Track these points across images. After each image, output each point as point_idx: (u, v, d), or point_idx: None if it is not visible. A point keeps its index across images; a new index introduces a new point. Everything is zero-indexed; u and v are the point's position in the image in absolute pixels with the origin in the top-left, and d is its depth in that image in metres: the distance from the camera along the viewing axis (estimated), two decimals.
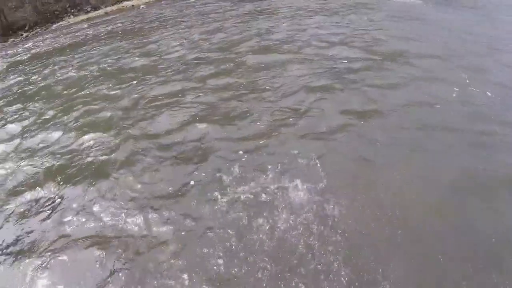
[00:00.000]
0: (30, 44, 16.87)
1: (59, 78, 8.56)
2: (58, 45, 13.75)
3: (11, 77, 10.32)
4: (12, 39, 18.76)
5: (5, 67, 12.29)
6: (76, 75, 8.46)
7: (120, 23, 15.09)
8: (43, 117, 6.29)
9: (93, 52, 10.47)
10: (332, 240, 2.87)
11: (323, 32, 8.00)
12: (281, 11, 10.34)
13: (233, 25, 9.41)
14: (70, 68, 9.35)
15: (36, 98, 7.52)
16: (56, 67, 9.88)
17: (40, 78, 9.11)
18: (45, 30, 17.40)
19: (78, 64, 9.55)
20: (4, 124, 6.49)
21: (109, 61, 8.90)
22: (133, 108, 5.70)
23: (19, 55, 14.33)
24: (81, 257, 3.13)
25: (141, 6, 19.46)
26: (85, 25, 17.20)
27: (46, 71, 9.74)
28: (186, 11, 14.30)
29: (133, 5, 20.26)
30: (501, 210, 3.03)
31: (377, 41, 7.04)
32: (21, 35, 17.85)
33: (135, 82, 6.82)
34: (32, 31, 17.68)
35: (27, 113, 6.71)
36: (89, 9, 19.54)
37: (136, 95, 6.19)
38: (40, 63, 11.00)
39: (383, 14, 9.12)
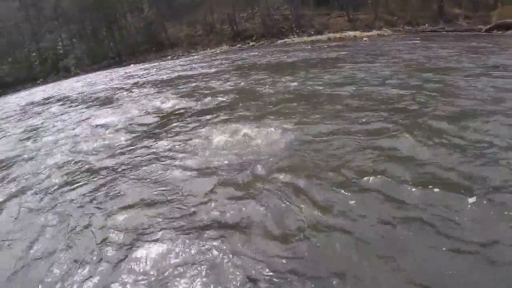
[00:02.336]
0: (254, 53, 17.81)
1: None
2: (277, 60, 13.52)
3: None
4: (239, 45, 20.47)
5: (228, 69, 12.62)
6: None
7: (336, 52, 13.98)
8: None
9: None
10: None
11: None
12: None
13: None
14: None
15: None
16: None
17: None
18: (270, 43, 18.06)
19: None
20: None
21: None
22: None
23: (241, 60, 14.91)
24: None
25: (364, 39, 18.34)
26: (308, 47, 17.04)
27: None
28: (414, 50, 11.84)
29: (355, 36, 19.39)
30: None
31: None
32: (248, 43, 19.08)
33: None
34: (258, 42, 18.64)
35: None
36: (312, 32, 19.59)
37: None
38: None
39: None
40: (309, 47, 17.00)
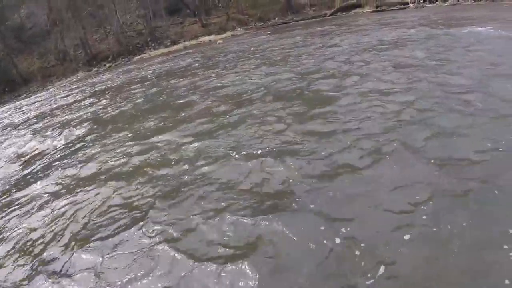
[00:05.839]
0: (109, 75, 17.20)
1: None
2: (133, 78, 13.54)
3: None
4: (95, 69, 19.52)
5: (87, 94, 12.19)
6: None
7: (191, 58, 14.65)
8: None
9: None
10: None
11: None
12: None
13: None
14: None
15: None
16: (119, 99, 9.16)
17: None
18: (127, 61, 17.71)
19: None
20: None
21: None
22: None
23: (97, 85, 14.44)
24: None
25: (218, 42, 19.29)
26: (163, 59, 17.23)
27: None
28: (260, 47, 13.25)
29: (210, 40, 20.23)
30: None
31: None
32: (104, 65, 18.39)
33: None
34: (115, 62, 18.11)
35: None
36: (168, 43, 19.81)
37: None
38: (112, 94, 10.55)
39: None
40: (165, 58, 17.19)
